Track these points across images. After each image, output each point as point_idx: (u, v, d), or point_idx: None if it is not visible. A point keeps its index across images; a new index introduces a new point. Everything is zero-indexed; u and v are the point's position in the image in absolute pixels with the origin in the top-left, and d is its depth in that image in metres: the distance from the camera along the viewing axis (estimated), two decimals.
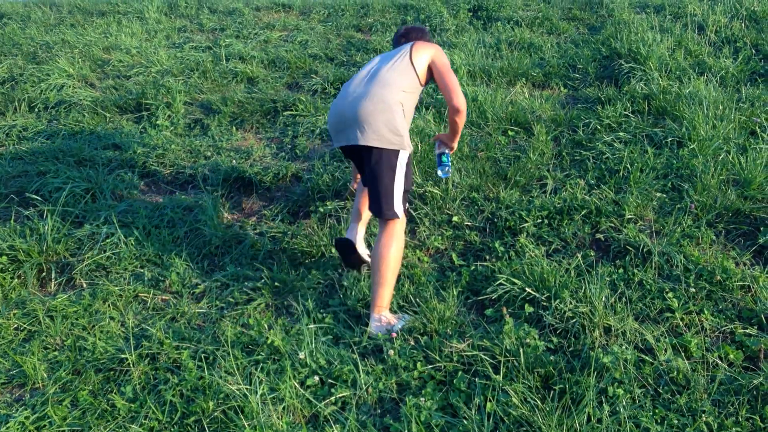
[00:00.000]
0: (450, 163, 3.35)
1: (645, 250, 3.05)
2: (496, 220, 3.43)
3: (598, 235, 3.24)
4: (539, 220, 3.36)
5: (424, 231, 3.42)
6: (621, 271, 2.95)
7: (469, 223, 3.45)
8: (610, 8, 6.67)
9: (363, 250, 3.20)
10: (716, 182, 3.44)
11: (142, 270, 3.27)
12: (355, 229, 3.26)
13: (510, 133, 4.29)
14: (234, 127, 4.66)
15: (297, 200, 3.84)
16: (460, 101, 3.11)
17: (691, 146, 3.78)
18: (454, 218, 3.47)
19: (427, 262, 3.22)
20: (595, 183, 3.64)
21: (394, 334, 2.68)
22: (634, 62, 5.05)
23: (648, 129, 4.11)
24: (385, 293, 2.83)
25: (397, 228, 2.92)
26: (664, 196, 3.45)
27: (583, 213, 3.35)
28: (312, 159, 4.21)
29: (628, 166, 3.70)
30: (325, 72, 5.46)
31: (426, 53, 3.17)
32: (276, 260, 3.30)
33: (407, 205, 3.05)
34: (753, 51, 5.20)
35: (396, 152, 2.93)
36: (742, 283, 2.78)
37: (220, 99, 4.92)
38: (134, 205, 3.74)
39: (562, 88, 5.07)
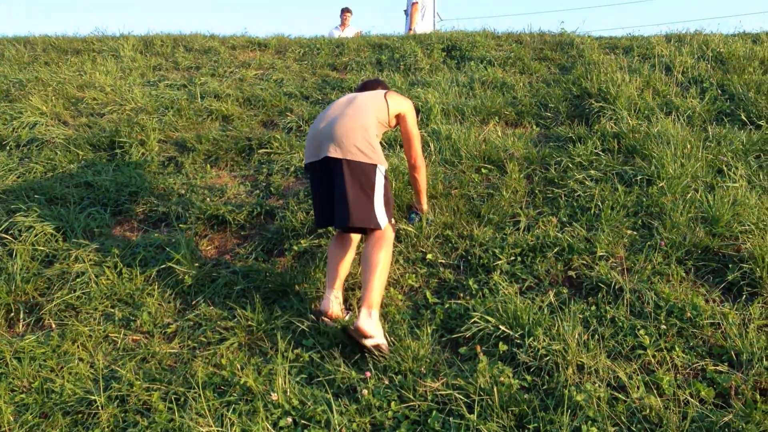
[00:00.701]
0: (416, 218, 3.78)
1: (617, 287, 3.08)
2: (469, 257, 3.45)
3: (570, 273, 3.26)
4: (512, 258, 3.38)
5: (398, 269, 3.43)
6: (593, 308, 2.97)
7: (444, 261, 3.46)
8: (581, 49, 6.82)
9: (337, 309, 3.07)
10: (685, 220, 3.50)
11: (112, 310, 3.22)
12: (329, 296, 3.08)
13: (483, 170, 4.34)
14: (208, 165, 4.66)
15: (271, 238, 3.83)
16: (421, 160, 3.58)
17: (660, 184, 3.84)
18: (429, 256, 3.49)
19: (402, 300, 3.22)
20: (567, 220, 3.68)
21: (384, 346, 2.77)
22: (604, 102, 5.15)
23: (618, 167, 4.18)
24: (375, 295, 2.87)
25: (386, 234, 3.04)
26: (635, 233, 3.49)
27: (555, 250, 3.38)
28: (287, 197, 4.21)
29: (599, 203, 3.75)
30: (300, 110, 5.50)
31: (401, 102, 3.46)
32: (249, 299, 3.28)
33: (393, 220, 3.14)
34: (719, 91, 5.33)
35: (374, 166, 3.07)
36: (711, 320, 2.81)
37: (195, 137, 4.92)
38: (106, 244, 3.70)
39: (534, 127, 5.15)
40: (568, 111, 5.29)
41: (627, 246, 3.41)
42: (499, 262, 3.34)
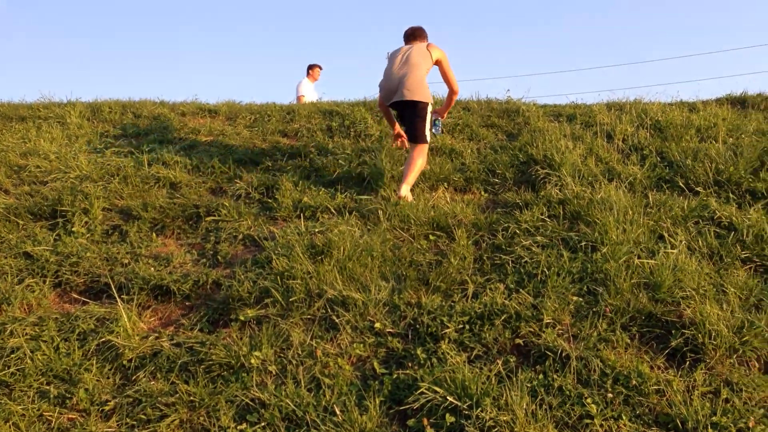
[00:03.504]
0: (440, 125, 5.82)
1: (563, 354, 3.08)
2: (418, 325, 3.42)
3: (518, 340, 3.26)
4: (461, 326, 3.37)
5: (346, 338, 3.38)
6: (541, 376, 2.97)
7: (392, 330, 3.43)
8: (527, 116, 7.00)
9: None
10: (629, 286, 3.55)
11: (48, 387, 3.09)
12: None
13: (432, 237, 4.36)
14: (154, 234, 4.58)
15: (217, 308, 3.75)
16: (457, 87, 5.66)
17: (604, 250, 3.91)
18: (377, 325, 3.45)
19: (349, 371, 3.17)
20: (514, 287, 3.70)
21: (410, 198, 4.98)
22: (550, 168, 5.27)
23: (564, 233, 4.25)
24: (412, 180, 5.11)
25: (425, 148, 5.27)
26: (581, 299, 3.53)
27: (503, 318, 3.38)
28: (234, 265, 4.15)
29: (546, 270, 3.79)
30: (249, 177, 5.48)
31: (438, 52, 5.41)
32: (192, 373, 3.18)
33: (429, 138, 5.34)
34: (658, 158, 5.51)
35: (426, 104, 5.22)
36: (657, 386, 2.83)
37: (141, 204, 4.84)
38: (44, 317, 3.58)
39: (482, 193, 5.22)
40: (515, 177, 5.39)
41: (573, 312, 3.44)
42: (447, 331, 3.32)
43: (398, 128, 5.74)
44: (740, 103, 7.37)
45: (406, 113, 5.26)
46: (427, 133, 5.25)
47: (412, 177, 5.08)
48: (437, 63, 5.40)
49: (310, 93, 10.44)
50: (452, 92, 5.67)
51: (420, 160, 5.16)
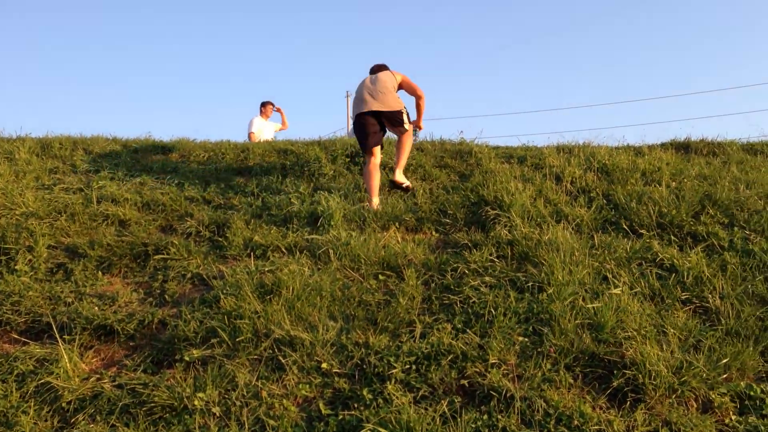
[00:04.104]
0: (417, 134, 6.85)
1: (508, 395, 3.11)
2: (365, 366, 3.42)
3: (463, 381, 3.28)
4: (407, 366, 3.38)
5: (293, 379, 3.36)
6: (486, 417, 2.99)
7: (338, 370, 3.42)
8: (479, 158, 7.11)
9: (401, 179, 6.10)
10: (573, 326, 3.61)
11: None
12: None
13: (381, 277, 4.38)
14: (100, 272, 4.51)
15: (162, 348, 3.69)
16: (422, 92, 6.39)
17: (550, 291, 3.97)
18: (323, 365, 3.44)
19: (294, 412, 3.14)
20: (461, 327, 3.73)
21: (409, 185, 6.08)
22: (500, 209, 5.35)
23: (511, 273, 4.31)
24: (403, 163, 6.17)
25: (410, 133, 6.20)
26: (526, 340, 3.57)
27: (450, 358, 3.40)
28: (181, 305, 4.10)
29: (493, 310, 3.83)
30: (200, 215, 5.44)
31: (399, 75, 6.28)
32: (133, 415, 3.12)
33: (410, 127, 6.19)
34: (605, 201, 5.65)
35: (400, 111, 6.07)
36: (598, 427, 2.87)
37: (88, 242, 4.77)
38: None
39: (434, 233, 5.27)
40: (466, 217, 5.45)
41: (518, 353, 3.48)
42: (394, 371, 3.33)
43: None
44: (684, 147, 7.61)
45: (384, 121, 6.10)
46: (407, 124, 6.14)
47: (403, 161, 6.17)
48: (402, 83, 6.28)
49: (265, 130, 10.44)
50: (419, 98, 6.44)
51: (408, 143, 6.21)
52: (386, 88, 6.06)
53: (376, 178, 5.95)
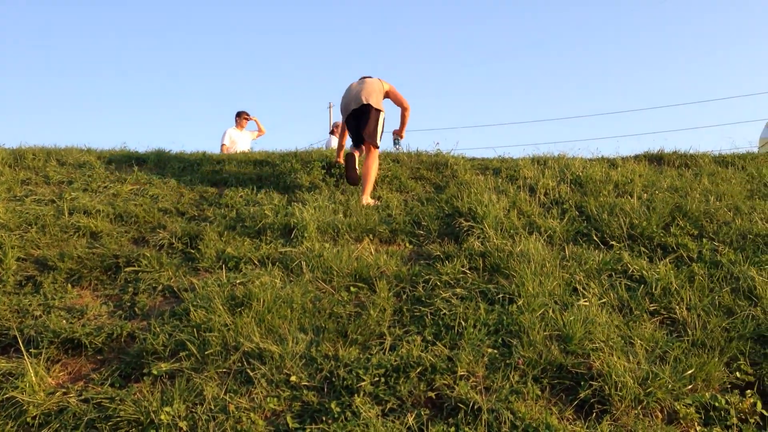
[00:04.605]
0: (401, 143, 7.25)
1: (476, 407, 3.12)
2: (334, 378, 3.41)
3: (431, 393, 3.29)
4: (376, 379, 3.37)
5: (261, 392, 3.34)
6: (453, 429, 3.00)
7: (307, 383, 3.41)
8: (454, 169, 7.15)
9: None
10: (542, 338, 3.63)
11: None
12: (355, 157, 6.50)
13: (353, 289, 4.38)
14: (70, 285, 4.47)
15: (130, 362, 3.66)
16: (407, 104, 6.92)
17: (520, 302, 4.00)
18: (292, 378, 3.43)
19: (262, 425, 3.13)
20: (431, 339, 3.74)
21: (378, 202, 6.13)
22: (473, 221, 5.38)
23: (483, 285, 4.33)
24: (369, 188, 6.23)
25: (376, 155, 6.41)
26: (495, 351, 3.59)
27: (418, 370, 3.41)
28: (151, 317, 4.07)
29: (462, 322, 3.84)
30: (174, 227, 5.42)
31: (386, 84, 6.74)
32: (99, 430, 3.09)
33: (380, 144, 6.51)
34: (577, 212, 5.69)
35: (378, 111, 6.47)
36: None
37: (58, 254, 4.73)
38: None
39: (407, 245, 5.28)
40: (440, 229, 5.47)
41: (487, 365, 3.49)
42: (363, 384, 3.32)
43: (341, 157, 7.07)
44: (657, 160, 7.70)
45: (362, 118, 6.43)
46: (378, 138, 6.45)
47: (369, 185, 6.24)
48: (389, 92, 6.74)
49: (240, 141, 10.41)
50: (404, 109, 6.93)
51: (374, 167, 6.31)
52: (372, 90, 6.52)
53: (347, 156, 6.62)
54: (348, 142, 7.27)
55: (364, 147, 6.60)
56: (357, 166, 6.51)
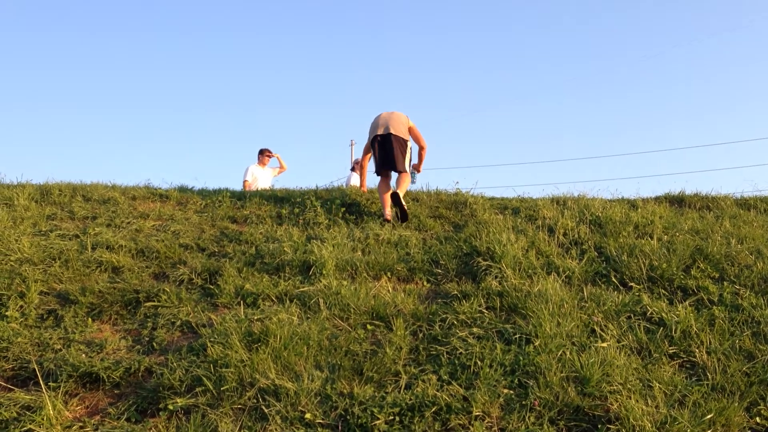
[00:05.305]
0: (417, 176, 7.74)
1: None
2: (348, 417, 3.40)
3: None
4: (391, 417, 3.36)
5: (275, 429, 3.34)
6: None
7: (322, 421, 3.40)
8: (473, 208, 7.19)
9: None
10: (558, 379, 3.60)
11: None
12: (398, 194, 6.84)
13: (369, 327, 4.38)
14: (90, 319, 4.52)
15: (147, 396, 3.68)
16: (425, 144, 7.64)
17: (537, 343, 3.98)
18: (307, 415, 3.42)
19: None
20: (447, 378, 3.72)
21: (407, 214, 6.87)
22: (491, 260, 5.38)
23: (500, 325, 4.31)
24: (404, 190, 7.00)
25: (408, 176, 7.17)
26: (511, 392, 3.56)
27: (434, 410, 3.39)
28: (168, 352, 4.10)
29: (479, 361, 3.83)
30: (194, 263, 5.48)
31: (411, 122, 7.43)
32: None
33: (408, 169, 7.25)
34: (596, 253, 5.68)
35: (406, 142, 7.25)
36: None
37: (79, 289, 4.79)
38: None
39: (425, 283, 5.29)
40: (458, 268, 5.48)
41: (503, 405, 3.46)
42: (378, 422, 3.31)
43: (364, 186, 8.47)
44: (678, 201, 7.67)
45: (394, 146, 7.09)
46: (408, 165, 7.24)
47: (403, 189, 7.01)
48: (411, 128, 7.42)
49: (262, 178, 10.54)
50: (422, 148, 7.66)
51: (407, 180, 7.15)
52: (401, 122, 7.27)
53: (386, 196, 7.02)
54: (370, 165, 7.96)
55: (393, 173, 7.28)
56: (402, 202, 6.86)
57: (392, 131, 7.12)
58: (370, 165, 7.90)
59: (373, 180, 13.68)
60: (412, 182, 7.64)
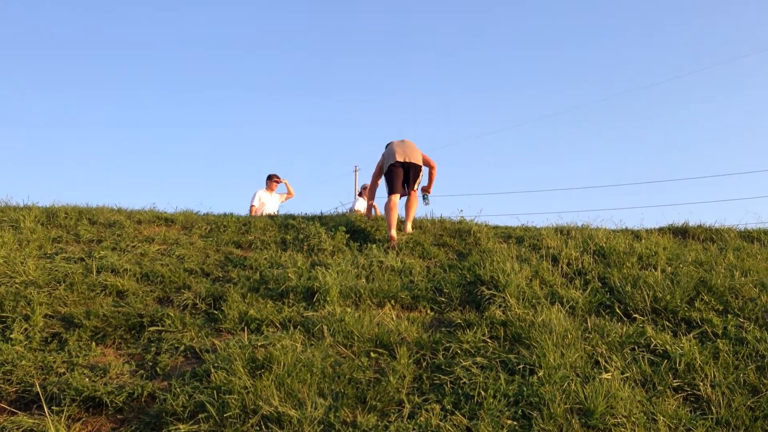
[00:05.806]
0: (428, 198, 8.30)
1: None
2: None
3: None
4: None
5: None
6: None
7: None
8: (477, 237, 7.20)
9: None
10: (562, 411, 3.59)
11: None
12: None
13: (373, 355, 4.38)
14: (94, 342, 4.52)
15: (150, 422, 3.68)
16: (434, 163, 8.16)
17: (541, 374, 3.97)
18: None
19: None
20: (450, 408, 3.72)
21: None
22: (495, 289, 5.39)
23: (503, 355, 4.31)
24: (412, 217, 7.74)
25: (416, 200, 7.80)
26: (515, 423, 3.55)
27: None
28: (172, 378, 4.10)
29: (482, 391, 3.82)
30: (198, 287, 5.49)
31: (420, 150, 8.02)
32: None
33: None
34: (600, 284, 5.68)
35: (421, 167, 7.87)
36: None
37: (84, 312, 4.80)
38: None
39: (428, 311, 5.29)
40: (461, 297, 5.48)
41: None
42: None
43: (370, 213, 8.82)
44: (682, 233, 7.69)
45: (410, 175, 7.80)
46: (417, 186, 7.94)
47: (412, 216, 7.72)
48: (422, 156, 7.99)
49: (269, 203, 10.59)
50: (431, 168, 8.21)
51: (415, 205, 7.80)
52: (415, 150, 7.92)
53: (394, 214, 7.38)
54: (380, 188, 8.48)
55: (407, 192, 7.87)
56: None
57: (412, 160, 7.74)
58: (379, 190, 8.55)
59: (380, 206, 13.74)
60: (425, 204, 8.30)
